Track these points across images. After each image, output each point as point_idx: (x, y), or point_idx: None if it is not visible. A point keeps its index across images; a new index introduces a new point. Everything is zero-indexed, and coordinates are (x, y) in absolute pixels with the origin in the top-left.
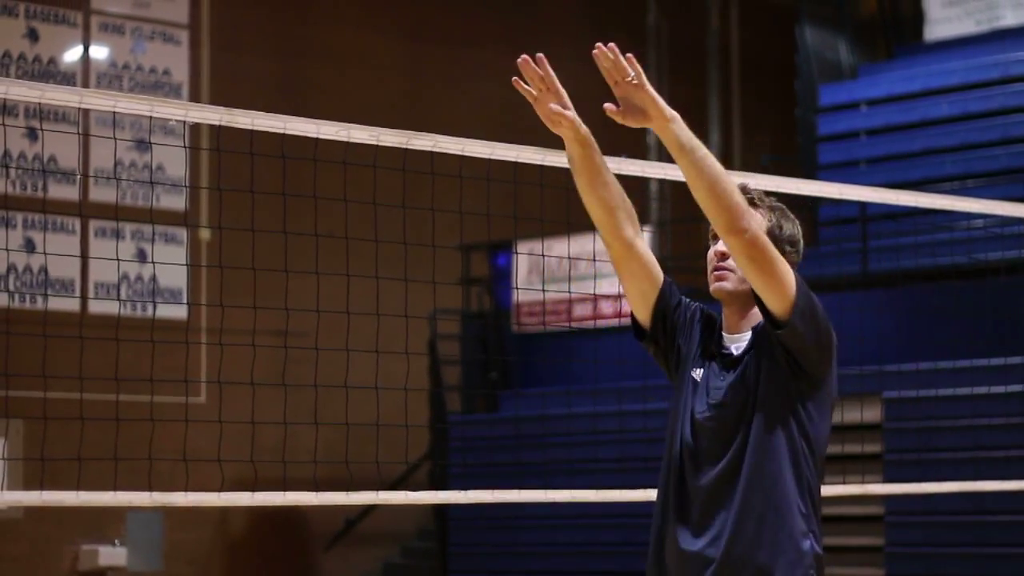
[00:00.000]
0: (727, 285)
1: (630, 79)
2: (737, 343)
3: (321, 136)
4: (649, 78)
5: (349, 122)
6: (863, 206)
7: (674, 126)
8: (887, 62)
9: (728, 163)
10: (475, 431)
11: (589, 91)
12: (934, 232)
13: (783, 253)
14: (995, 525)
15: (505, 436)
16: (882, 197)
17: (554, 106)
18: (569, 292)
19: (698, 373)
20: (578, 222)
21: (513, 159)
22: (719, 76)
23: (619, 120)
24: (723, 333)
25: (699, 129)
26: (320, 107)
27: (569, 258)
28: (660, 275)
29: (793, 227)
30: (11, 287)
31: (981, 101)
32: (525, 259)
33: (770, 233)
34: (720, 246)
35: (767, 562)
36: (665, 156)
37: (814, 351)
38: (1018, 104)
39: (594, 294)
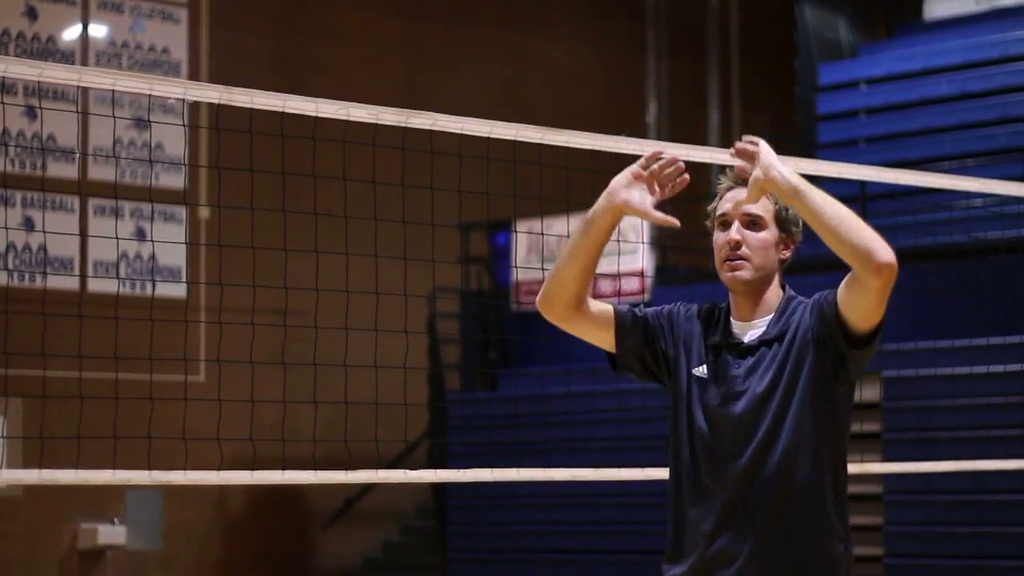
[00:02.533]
0: (744, 274)
1: (753, 149)
2: (751, 331)
3: (320, 115)
4: (649, 56)
5: (348, 101)
6: (862, 185)
7: (775, 172)
8: (887, 41)
9: (728, 142)
10: (474, 410)
11: (587, 69)
12: (933, 211)
13: (790, 235)
14: (994, 504)
15: (504, 415)
16: (881, 176)
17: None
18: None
19: (701, 370)
20: (577, 201)
21: (512, 138)
22: (718, 55)
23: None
24: (733, 320)
25: (698, 108)
26: (319, 86)
27: (568, 236)
28: (609, 313)
29: None
30: (10, 266)
31: (981, 80)
32: (524, 238)
33: (778, 216)
34: (733, 233)
35: (796, 566)
36: (663, 136)
37: (865, 364)
38: (1018, 83)
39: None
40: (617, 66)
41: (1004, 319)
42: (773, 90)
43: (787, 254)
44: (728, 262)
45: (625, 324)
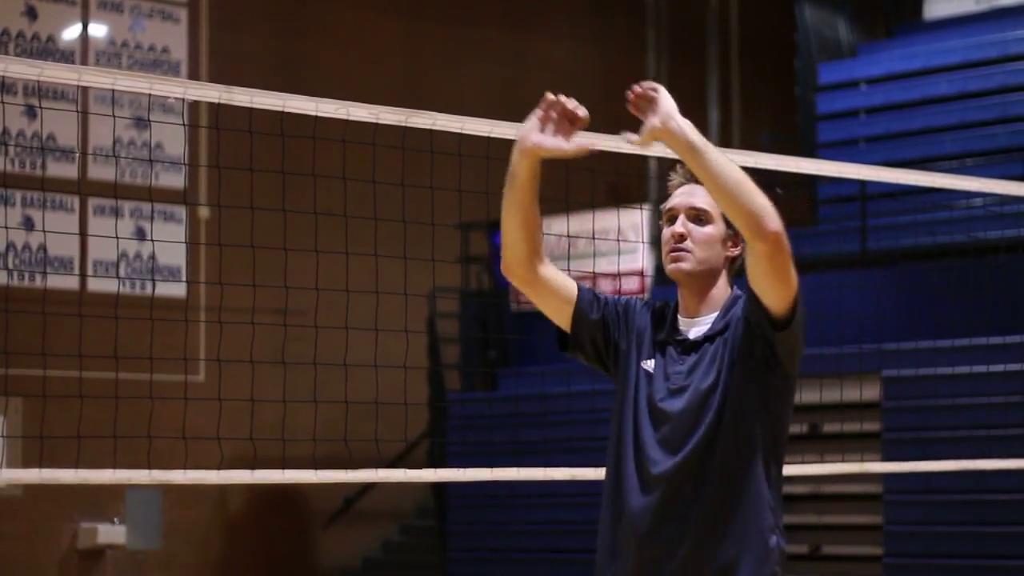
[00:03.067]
0: (685, 266)
1: (652, 95)
2: (696, 327)
3: (320, 114)
4: (649, 56)
5: (348, 100)
6: (862, 184)
7: (673, 124)
8: (886, 40)
9: (727, 142)
10: (474, 409)
11: (587, 68)
12: (933, 211)
13: (738, 231)
14: (994, 504)
15: (504, 414)
16: (881, 176)
17: (572, 143)
18: (568, 270)
19: (650, 364)
20: (577, 200)
21: (512, 137)
22: (718, 54)
23: (643, 141)
24: (679, 317)
25: (698, 108)
26: (319, 85)
27: (568, 236)
28: (572, 288)
29: None
30: (10, 265)
31: (980, 80)
32: None
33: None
34: (678, 227)
35: (734, 557)
36: None
37: (799, 351)
38: (1017, 83)
39: (593, 272)
40: (617, 66)
41: (1004, 318)
42: (773, 90)
43: (735, 251)
44: (671, 253)
45: (584, 303)
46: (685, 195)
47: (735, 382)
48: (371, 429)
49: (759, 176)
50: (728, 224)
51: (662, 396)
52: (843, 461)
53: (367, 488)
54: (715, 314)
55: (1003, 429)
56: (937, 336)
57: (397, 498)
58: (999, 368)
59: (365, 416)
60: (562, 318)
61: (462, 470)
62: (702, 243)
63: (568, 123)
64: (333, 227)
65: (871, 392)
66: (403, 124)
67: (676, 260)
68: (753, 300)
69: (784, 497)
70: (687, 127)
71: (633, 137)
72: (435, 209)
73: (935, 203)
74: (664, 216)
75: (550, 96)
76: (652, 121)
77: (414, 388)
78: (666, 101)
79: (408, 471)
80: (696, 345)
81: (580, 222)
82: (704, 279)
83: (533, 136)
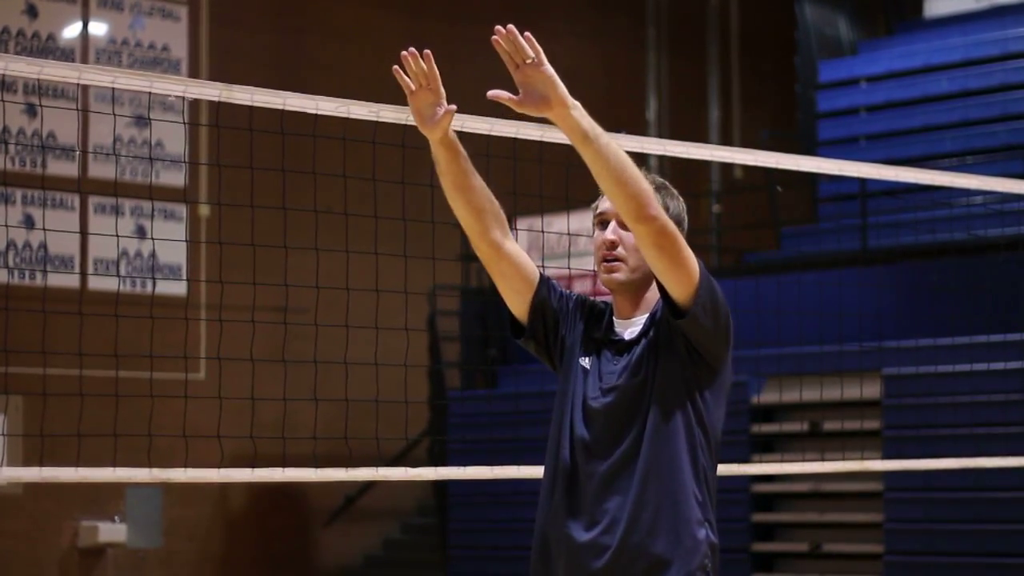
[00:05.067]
0: (619, 276)
1: (530, 61)
2: (630, 328)
3: (320, 112)
4: (649, 54)
5: (349, 98)
6: (862, 182)
7: (576, 112)
8: (887, 38)
9: (728, 140)
10: (474, 407)
11: (587, 67)
12: (933, 209)
13: None
14: (994, 501)
15: (504, 412)
16: (881, 173)
17: (441, 108)
18: (568, 268)
19: (587, 361)
20: (577, 198)
21: (512, 135)
22: (718, 52)
23: (517, 108)
24: (614, 319)
25: (698, 105)
26: (319, 83)
27: (569, 234)
28: (534, 272)
29: (678, 204)
30: (10, 263)
31: (981, 78)
32: (524, 235)
33: None
34: (609, 234)
35: (663, 551)
36: (663, 133)
37: (713, 340)
38: (1018, 80)
39: (593, 270)
40: (617, 63)
41: (1004, 316)
42: (773, 87)
43: None
44: (604, 263)
45: (544, 290)
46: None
47: (660, 378)
48: (371, 427)
49: (759, 174)
50: None
51: (595, 395)
52: (843, 459)
53: (368, 486)
54: (647, 315)
55: (1003, 427)
56: (937, 334)
57: (398, 496)
58: (999, 366)
59: (365, 414)
60: (520, 301)
61: (462, 468)
62: (634, 250)
63: (427, 87)
64: (333, 225)
65: (871, 390)
66: (403, 122)
67: (610, 271)
68: (661, 292)
69: (785, 495)
70: (581, 115)
71: (504, 95)
72: (435, 207)
73: (935, 201)
74: (595, 219)
75: (397, 69)
76: (545, 103)
77: (414, 386)
78: (559, 83)
79: (408, 469)
80: (629, 346)
81: (580, 220)
82: (638, 284)
83: (426, 122)
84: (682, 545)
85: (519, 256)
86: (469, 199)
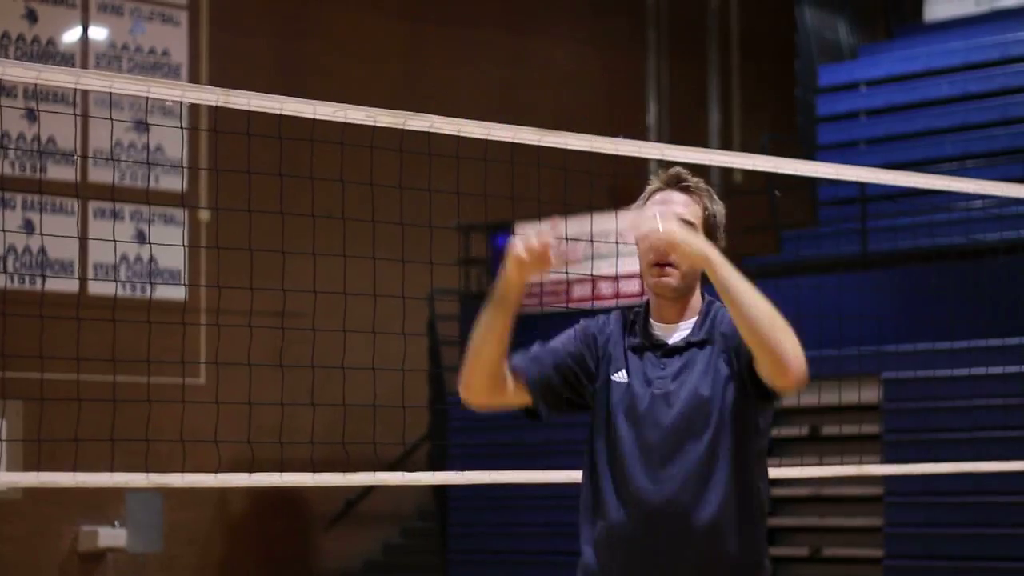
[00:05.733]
0: (671, 282)
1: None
2: (674, 332)
3: (318, 117)
4: (649, 58)
5: (346, 103)
6: (862, 186)
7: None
8: (887, 42)
9: (728, 144)
10: (475, 412)
11: (588, 71)
12: (933, 213)
13: (716, 240)
14: (994, 505)
15: (504, 416)
16: (881, 177)
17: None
18: (567, 273)
19: (621, 375)
20: (575, 203)
21: (510, 140)
22: (719, 56)
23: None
24: (653, 323)
25: (698, 109)
26: (318, 88)
27: (567, 239)
28: (516, 379)
29: (722, 209)
30: (10, 268)
31: (981, 81)
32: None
33: (707, 222)
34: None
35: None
36: (663, 138)
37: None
38: (1018, 84)
39: (592, 275)
40: (617, 67)
41: (1003, 321)
42: (773, 91)
43: None
44: (656, 266)
45: (539, 381)
46: (667, 203)
47: (732, 395)
48: (370, 432)
49: (759, 178)
50: (708, 234)
51: (646, 403)
52: (843, 463)
53: (368, 490)
54: (693, 320)
55: (1003, 431)
56: (937, 338)
57: (398, 500)
58: (998, 370)
59: (364, 419)
60: (523, 400)
61: (461, 473)
62: (686, 256)
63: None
64: (332, 229)
65: (871, 394)
66: (401, 127)
67: (662, 275)
68: (748, 369)
69: (785, 499)
70: (705, 244)
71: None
72: (433, 211)
73: (935, 205)
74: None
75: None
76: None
77: (413, 390)
78: (695, 245)
79: (406, 474)
80: (679, 350)
81: (579, 225)
82: (685, 291)
83: (517, 263)
84: (751, 571)
85: (507, 379)
86: (504, 340)
